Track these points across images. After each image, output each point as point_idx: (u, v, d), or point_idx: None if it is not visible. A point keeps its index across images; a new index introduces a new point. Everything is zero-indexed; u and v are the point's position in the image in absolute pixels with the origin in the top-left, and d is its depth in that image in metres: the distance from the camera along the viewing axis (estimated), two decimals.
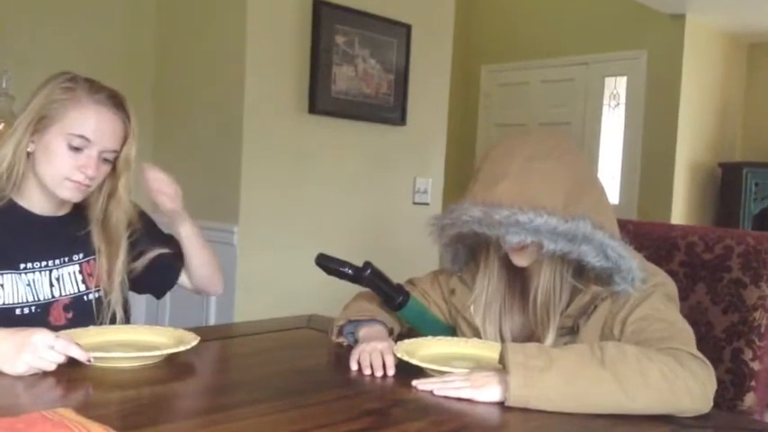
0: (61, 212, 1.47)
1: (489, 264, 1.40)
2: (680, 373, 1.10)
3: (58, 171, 1.38)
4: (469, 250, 1.45)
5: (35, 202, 1.43)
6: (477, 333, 1.42)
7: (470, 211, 1.24)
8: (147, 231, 1.57)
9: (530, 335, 1.37)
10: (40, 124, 1.37)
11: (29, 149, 1.39)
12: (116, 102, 1.42)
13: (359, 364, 1.28)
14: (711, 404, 1.12)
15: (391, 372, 1.25)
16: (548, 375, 1.09)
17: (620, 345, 1.15)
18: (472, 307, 1.42)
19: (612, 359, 1.10)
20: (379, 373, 1.24)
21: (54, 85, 1.39)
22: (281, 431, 0.96)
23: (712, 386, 1.12)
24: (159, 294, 1.67)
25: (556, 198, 1.20)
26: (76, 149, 1.37)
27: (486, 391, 1.12)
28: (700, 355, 1.14)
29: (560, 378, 1.09)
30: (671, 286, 1.31)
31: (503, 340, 1.39)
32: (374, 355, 1.27)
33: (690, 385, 1.09)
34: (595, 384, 1.09)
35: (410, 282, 1.56)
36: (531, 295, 1.33)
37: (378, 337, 1.34)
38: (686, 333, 1.21)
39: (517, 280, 1.40)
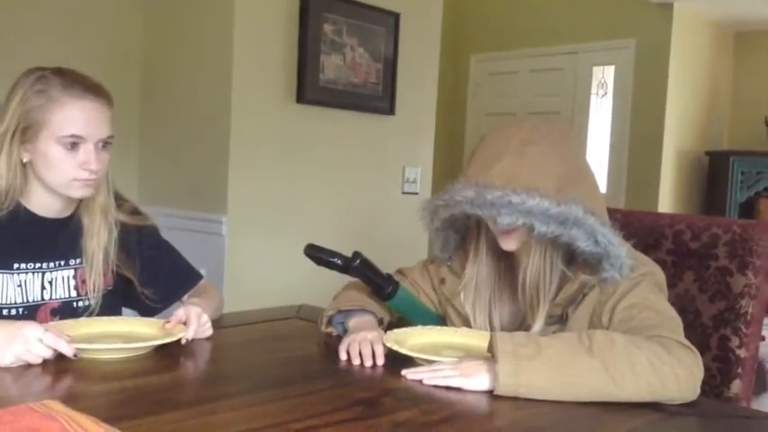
0: (66, 214, 1.44)
1: (479, 251, 1.41)
2: (667, 361, 1.10)
3: (63, 174, 1.35)
4: (460, 238, 1.45)
5: (40, 204, 1.41)
6: (466, 322, 1.42)
7: (463, 191, 1.24)
8: (152, 257, 1.53)
9: (519, 324, 1.38)
10: (27, 134, 1.34)
11: (24, 160, 1.36)
12: (92, 89, 1.37)
13: (348, 353, 1.28)
14: (699, 392, 1.13)
15: (381, 361, 1.25)
16: (536, 363, 1.09)
17: (608, 333, 1.16)
18: (462, 294, 1.42)
19: (601, 347, 1.11)
20: (368, 363, 1.24)
21: (26, 92, 1.34)
22: (271, 421, 0.96)
23: (700, 374, 1.13)
24: (145, 314, 1.58)
25: (548, 182, 1.21)
26: (73, 149, 1.34)
27: (476, 379, 1.12)
28: (687, 342, 1.15)
29: (549, 366, 1.09)
30: (659, 275, 1.31)
31: (492, 329, 1.39)
32: (363, 344, 1.27)
33: (677, 373, 1.10)
34: (584, 372, 1.09)
35: (400, 271, 1.56)
36: (519, 278, 1.34)
37: (367, 327, 1.34)
38: (674, 321, 1.21)
39: (507, 268, 1.41)
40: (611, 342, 1.12)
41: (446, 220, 1.37)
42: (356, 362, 1.25)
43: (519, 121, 1.35)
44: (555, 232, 1.21)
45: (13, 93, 1.36)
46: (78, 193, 1.39)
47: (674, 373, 1.10)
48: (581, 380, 1.09)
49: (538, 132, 1.28)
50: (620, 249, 1.24)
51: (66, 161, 1.34)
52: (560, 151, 1.27)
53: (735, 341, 1.45)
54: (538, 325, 1.30)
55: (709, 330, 1.48)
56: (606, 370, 1.09)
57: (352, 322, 1.38)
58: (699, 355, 1.15)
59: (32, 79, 1.35)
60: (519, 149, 1.24)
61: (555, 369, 1.09)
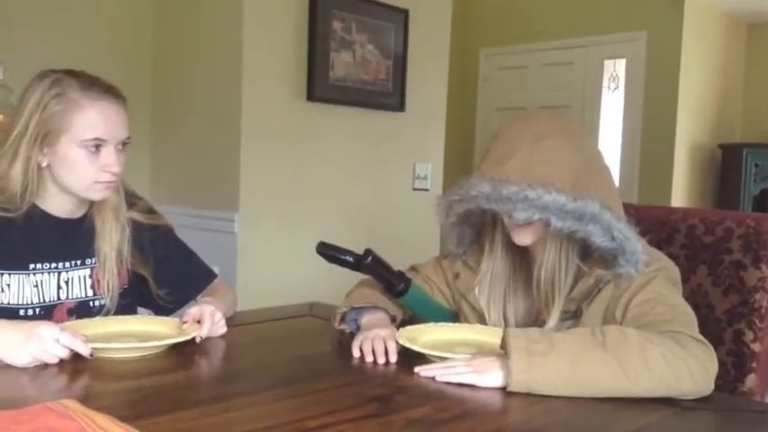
0: (79, 214, 1.45)
1: (494, 246, 1.41)
2: (681, 356, 1.10)
3: (85, 178, 1.36)
4: (475, 233, 1.45)
5: (55, 205, 1.41)
6: (480, 317, 1.42)
7: (479, 186, 1.24)
8: (165, 256, 1.54)
9: (533, 319, 1.38)
10: (46, 139, 1.34)
11: (43, 164, 1.36)
12: (110, 90, 1.38)
13: (361, 351, 1.28)
14: (713, 386, 1.13)
15: (393, 358, 1.25)
16: (549, 359, 1.09)
17: (621, 328, 1.15)
18: (477, 289, 1.42)
19: (614, 342, 1.11)
20: (381, 360, 1.25)
21: (42, 96, 1.33)
22: (285, 419, 0.97)
23: (714, 368, 1.13)
24: (159, 314, 1.58)
25: (564, 177, 1.21)
26: (95, 152, 1.35)
27: (489, 376, 1.13)
28: (701, 337, 1.15)
29: (562, 362, 1.09)
30: (674, 271, 1.31)
31: (506, 324, 1.39)
32: (376, 342, 1.27)
33: (691, 367, 1.10)
34: (597, 367, 1.09)
35: (413, 268, 1.56)
36: (534, 273, 1.33)
37: (380, 325, 1.34)
38: (688, 316, 1.21)
39: (522, 263, 1.41)
40: (625, 337, 1.12)
41: (461, 215, 1.37)
42: (369, 359, 1.25)
43: (531, 115, 1.35)
44: (571, 228, 1.20)
45: (26, 96, 1.35)
46: (99, 195, 1.39)
47: (687, 368, 1.10)
48: (594, 375, 1.09)
49: (551, 126, 1.28)
50: (636, 245, 1.24)
51: (88, 164, 1.35)
52: (574, 144, 1.27)
53: (749, 335, 1.44)
54: (552, 320, 1.29)
55: (722, 325, 1.47)
56: (620, 365, 1.09)
57: (365, 319, 1.38)
58: (713, 349, 1.14)
59: (47, 83, 1.35)
60: (533, 144, 1.24)
61: (568, 365, 1.09)
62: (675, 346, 1.11)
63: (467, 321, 1.45)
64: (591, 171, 1.26)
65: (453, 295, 1.51)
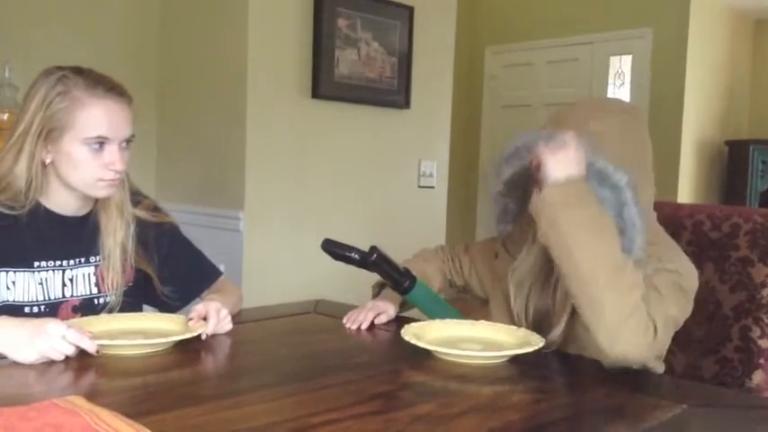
0: (84, 211, 1.45)
1: (536, 240, 1.41)
2: (642, 320, 1.15)
3: (88, 175, 1.36)
4: (516, 210, 1.45)
5: (60, 203, 1.41)
6: (507, 301, 1.43)
7: (525, 136, 1.30)
8: (170, 254, 1.54)
9: (546, 317, 1.37)
10: (50, 136, 1.34)
11: (47, 161, 1.36)
12: (115, 89, 1.38)
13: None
14: (617, 364, 1.18)
15: (364, 326, 1.43)
16: (590, 203, 1.19)
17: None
18: (510, 274, 1.43)
19: (629, 263, 1.18)
20: (353, 327, 1.43)
21: (47, 93, 1.33)
22: (290, 415, 0.97)
23: (638, 357, 1.17)
24: (165, 312, 1.57)
25: (605, 151, 1.24)
26: (99, 149, 1.35)
27: (560, 163, 1.19)
28: (661, 335, 1.18)
29: (591, 206, 1.19)
30: (688, 280, 1.27)
31: (526, 316, 1.40)
32: (361, 312, 1.45)
33: (639, 334, 1.15)
34: (604, 239, 1.18)
35: (465, 248, 1.65)
36: (555, 271, 1.33)
37: (382, 299, 1.50)
38: (670, 318, 1.21)
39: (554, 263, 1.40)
40: (636, 270, 1.19)
41: (507, 184, 1.38)
42: (347, 324, 1.45)
43: (590, 98, 1.39)
44: (589, 180, 1.22)
45: (32, 93, 1.36)
46: (102, 192, 1.40)
47: (635, 331, 1.15)
48: (599, 238, 1.17)
49: (602, 110, 1.35)
50: (639, 236, 1.23)
51: (92, 162, 1.35)
52: (622, 132, 1.31)
53: (756, 331, 1.44)
54: (562, 324, 1.30)
55: (729, 321, 1.47)
56: (616, 266, 1.16)
57: (381, 295, 1.55)
58: (652, 353, 1.19)
59: (53, 80, 1.35)
60: (581, 123, 1.29)
61: (593, 214, 1.18)
62: (645, 313, 1.16)
63: (495, 302, 1.48)
64: (631, 160, 1.28)
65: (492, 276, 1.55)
